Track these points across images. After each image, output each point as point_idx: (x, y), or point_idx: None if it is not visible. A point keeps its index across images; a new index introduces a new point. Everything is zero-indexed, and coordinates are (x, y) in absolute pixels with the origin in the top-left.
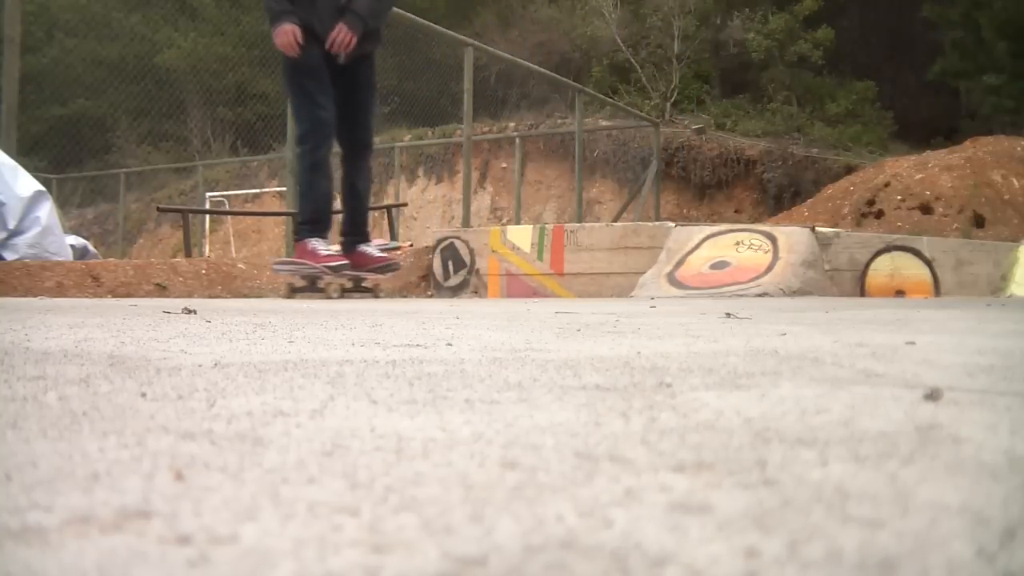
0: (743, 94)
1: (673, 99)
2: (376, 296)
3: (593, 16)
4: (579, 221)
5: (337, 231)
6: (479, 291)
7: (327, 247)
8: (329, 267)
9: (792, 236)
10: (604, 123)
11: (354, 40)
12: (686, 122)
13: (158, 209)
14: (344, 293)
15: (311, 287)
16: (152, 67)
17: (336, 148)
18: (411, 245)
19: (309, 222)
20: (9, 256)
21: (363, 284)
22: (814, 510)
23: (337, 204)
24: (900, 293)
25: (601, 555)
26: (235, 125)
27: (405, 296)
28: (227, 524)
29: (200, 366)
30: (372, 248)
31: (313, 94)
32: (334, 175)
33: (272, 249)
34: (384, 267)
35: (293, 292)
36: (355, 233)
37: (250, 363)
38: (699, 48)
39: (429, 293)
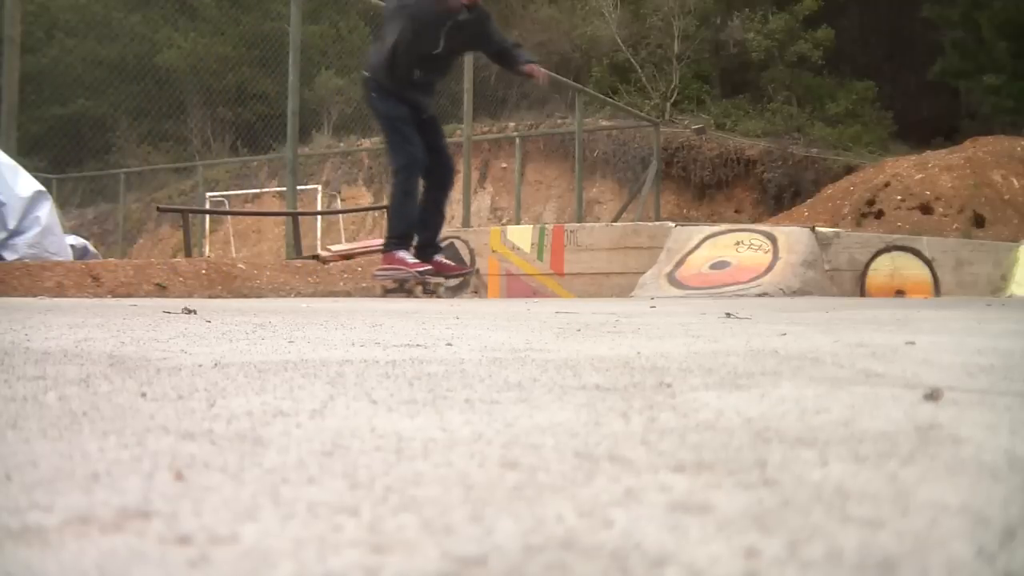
0: (743, 94)
1: (673, 99)
2: (440, 296)
3: (593, 16)
4: (579, 221)
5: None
6: (479, 291)
7: (412, 257)
8: (419, 272)
9: (792, 236)
10: (604, 123)
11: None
12: (686, 122)
13: (158, 209)
14: (426, 294)
15: (400, 289)
16: (152, 67)
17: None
18: None
19: (400, 236)
20: (9, 256)
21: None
22: (814, 510)
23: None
24: (900, 293)
25: (601, 555)
26: (235, 125)
27: (405, 296)
28: (227, 524)
29: (200, 366)
30: (443, 257)
31: (408, 136)
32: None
33: (272, 249)
34: (461, 274)
35: (387, 293)
36: (433, 245)
37: (250, 363)
38: (699, 48)
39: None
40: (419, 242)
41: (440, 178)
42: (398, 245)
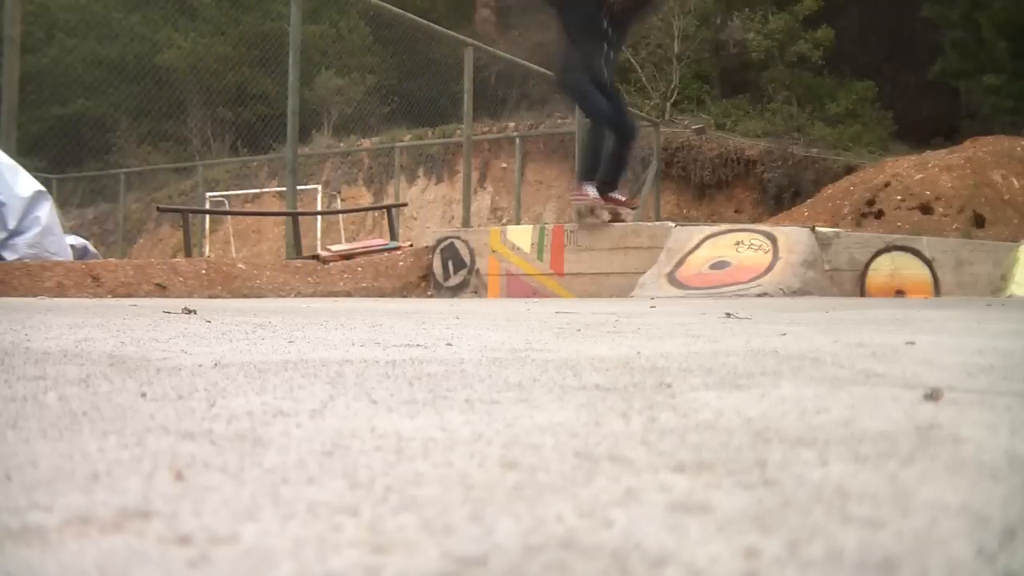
0: (743, 94)
1: (673, 99)
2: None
3: None
4: None
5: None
6: (479, 291)
7: (593, 190)
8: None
9: (792, 236)
10: None
11: None
12: (686, 122)
13: (158, 209)
14: (610, 218)
15: (591, 214)
16: (152, 67)
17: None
18: (411, 245)
19: (590, 171)
20: (9, 256)
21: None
22: (814, 510)
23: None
24: (900, 293)
25: (601, 555)
26: (235, 125)
27: (405, 296)
28: (227, 524)
29: (200, 366)
30: (618, 194)
31: (593, 96)
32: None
33: (272, 249)
34: (632, 207)
35: (580, 216)
36: (612, 184)
37: (250, 363)
38: (699, 48)
39: (429, 293)
40: (600, 179)
41: (623, 136)
42: (588, 178)
